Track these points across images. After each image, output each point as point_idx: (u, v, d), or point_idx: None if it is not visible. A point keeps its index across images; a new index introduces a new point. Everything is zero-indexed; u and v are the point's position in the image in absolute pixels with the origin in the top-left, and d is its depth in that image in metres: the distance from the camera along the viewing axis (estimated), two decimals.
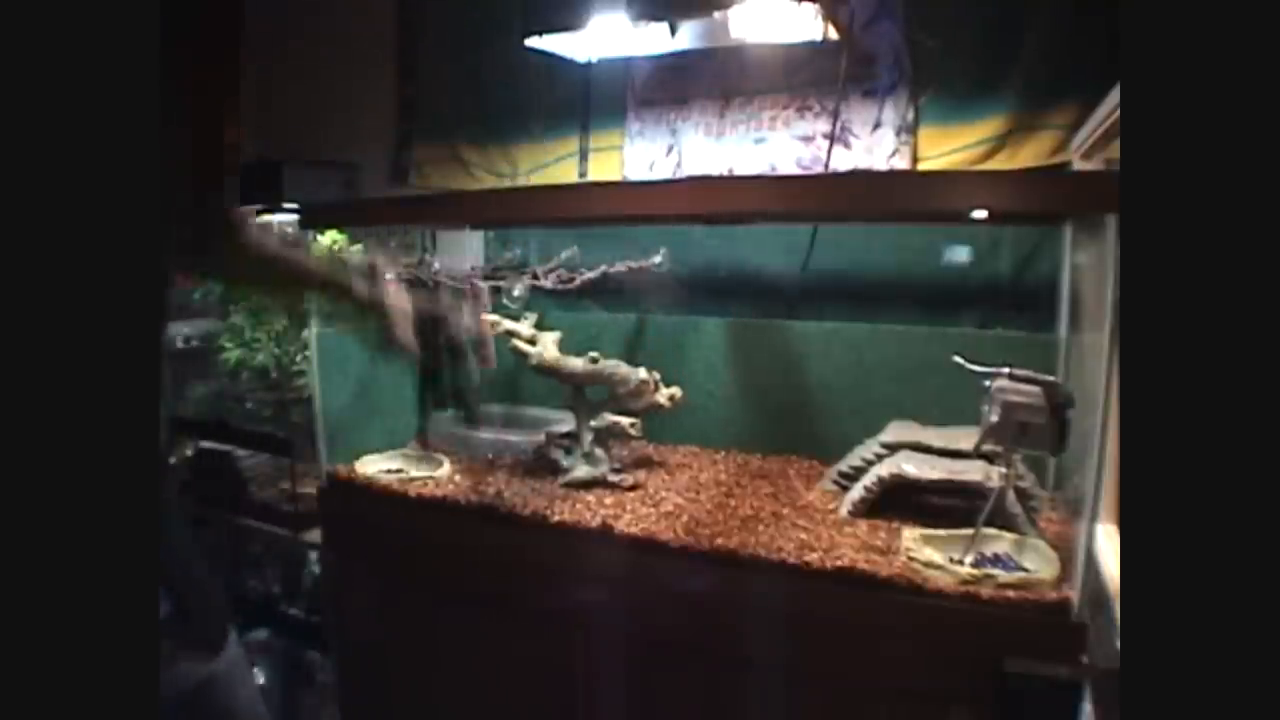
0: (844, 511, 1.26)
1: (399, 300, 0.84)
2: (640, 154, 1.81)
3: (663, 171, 1.78)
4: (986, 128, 1.45)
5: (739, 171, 1.69)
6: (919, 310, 1.53)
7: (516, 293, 1.66)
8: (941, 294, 1.52)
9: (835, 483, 1.38)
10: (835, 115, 1.57)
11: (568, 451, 1.47)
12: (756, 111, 1.68)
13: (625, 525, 1.23)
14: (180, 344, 2.21)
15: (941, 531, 1.11)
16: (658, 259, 1.64)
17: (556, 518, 1.27)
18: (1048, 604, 0.97)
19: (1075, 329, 1.28)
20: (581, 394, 1.48)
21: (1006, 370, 1.03)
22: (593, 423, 1.46)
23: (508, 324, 1.55)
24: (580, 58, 1.68)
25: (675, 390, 1.45)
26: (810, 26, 1.40)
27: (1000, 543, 1.09)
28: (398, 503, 1.42)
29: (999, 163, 1.44)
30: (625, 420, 1.45)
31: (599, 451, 1.45)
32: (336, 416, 1.54)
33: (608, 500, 1.34)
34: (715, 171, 1.71)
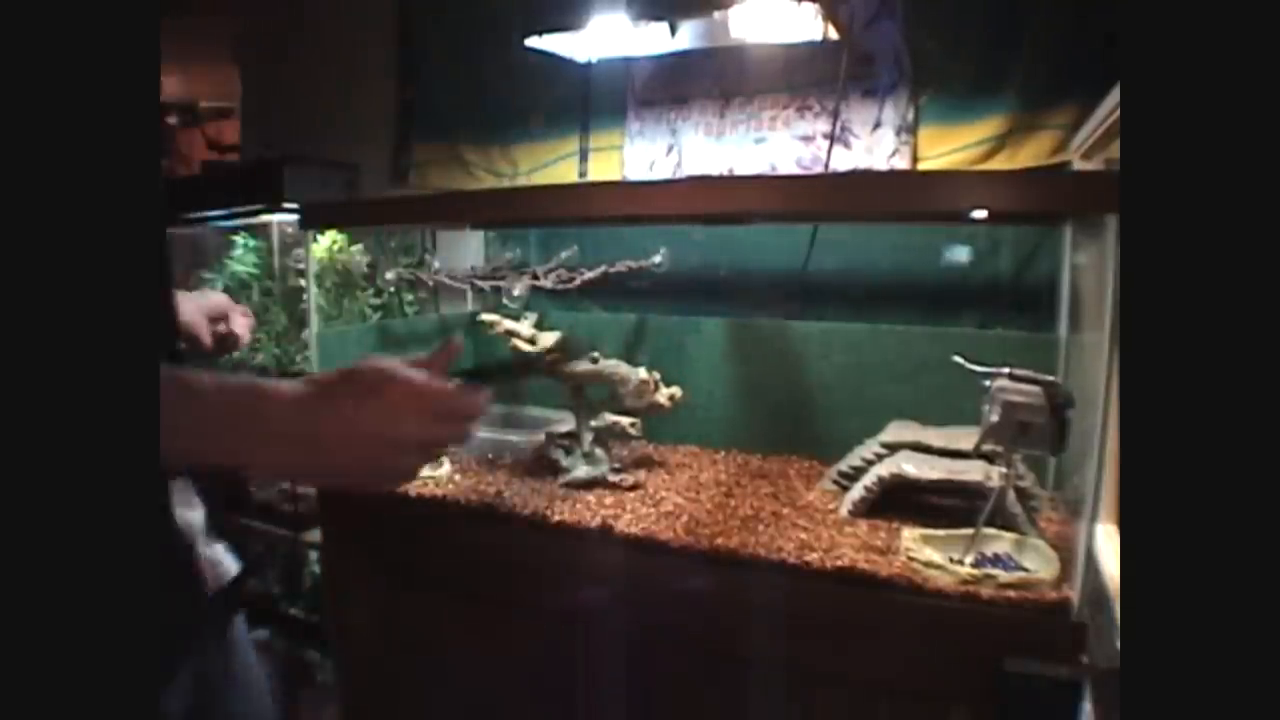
0: (844, 511, 1.26)
1: None
2: (640, 154, 1.82)
3: (663, 171, 1.78)
4: (986, 128, 1.45)
5: (739, 171, 1.69)
6: (919, 310, 1.53)
7: (516, 293, 1.66)
8: (941, 294, 1.52)
9: (835, 483, 1.38)
10: (835, 115, 1.57)
11: (568, 451, 1.47)
12: (756, 111, 1.68)
13: (625, 525, 1.23)
14: (180, 344, 2.21)
15: (941, 531, 1.11)
16: (658, 259, 1.64)
17: (556, 518, 1.27)
18: (1048, 604, 0.97)
19: (1075, 329, 1.28)
20: (581, 394, 1.48)
21: (1006, 370, 1.03)
22: (593, 423, 1.46)
23: (508, 324, 1.55)
24: (580, 58, 1.68)
25: (675, 390, 1.45)
26: (810, 26, 1.40)
27: (1000, 543, 1.09)
28: (398, 502, 1.42)
29: (999, 163, 1.44)
30: (625, 420, 1.45)
31: (599, 451, 1.45)
32: None
33: (608, 500, 1.34)
34: (715, 171, 1.71)
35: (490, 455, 1.60)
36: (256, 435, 0.55)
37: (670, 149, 1.78)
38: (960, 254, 1.50)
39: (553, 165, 1.91)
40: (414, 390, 0.61)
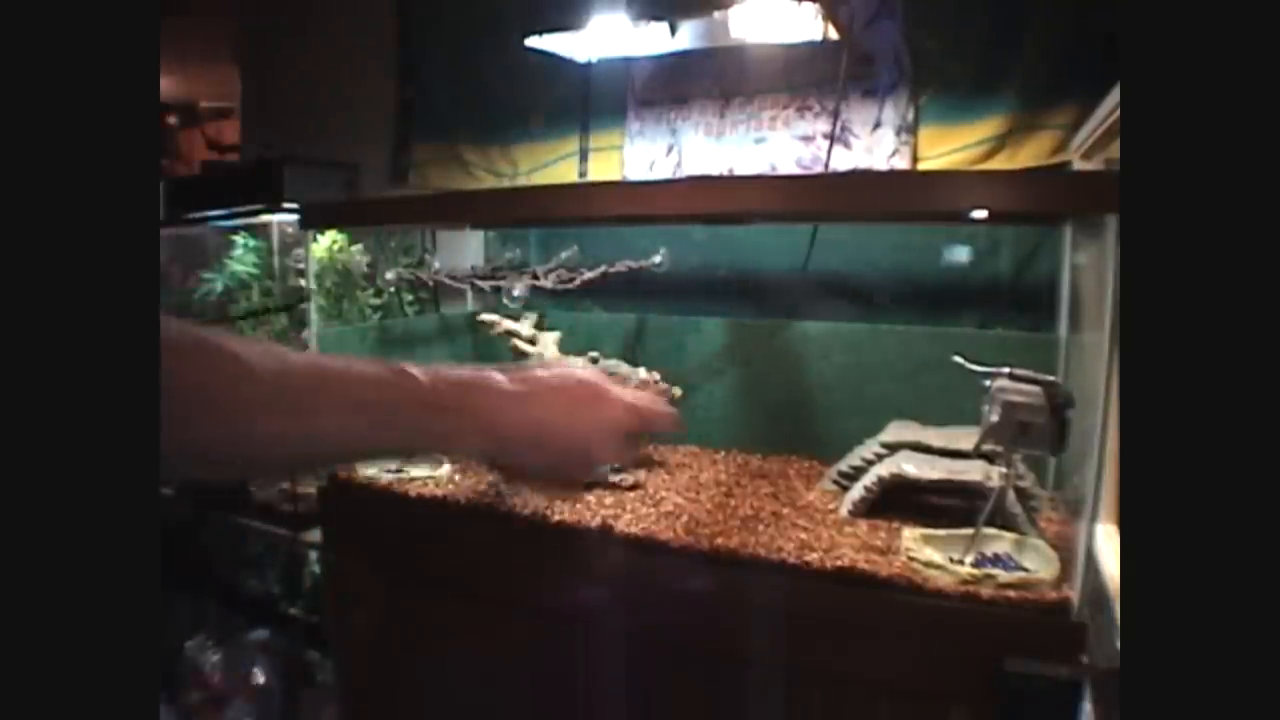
0: (844, 511, 1.26)
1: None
2: (640, 154, 1.81)
3: (663, 171, 1.78)
4: (986, 128, 1.45)
5: (739, 171, 1.68)
6: (919, 310, 1.52)
7: (516, 293, 1.66)
8: (941, 294, 1.52)
9: (835, 483, 1.38)
10: (835, 115, 1.57)
11: None
12: (756, 111, 1.68)
13: (625, 525, 1.23)
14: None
15: (941, 531, 1.11)
16: (658, 259, 1.64)
17: (556, 518, 1.27)
18: (1048, 604, 0.97)
19: (1075, 329, 1.28)
20: None
21: (1006, 370, 1.03)
22: None
23: (508, 324, 1.55)
24: (580, 58, 1.68)
25: (675, 390, 1.45)
26: (810, 26, 1.40)
27: (1000, 543, 1.09)
28: (398, 503, 1.42)
29: (999, 163, 1.44)
30: None
31: None
32: None
33: (608, 500, 1.34)
34: (715, 171, 1.70)
35: None
36: (484, 429, 0.60)
37: (670, 149, 1.78)
38: (960, 254, 1.50)
39: (553, 165, 1.91)
40: (625, 405, 0.68)
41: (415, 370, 0.58)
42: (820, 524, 1.22)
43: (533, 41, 1.58)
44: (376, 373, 0.56)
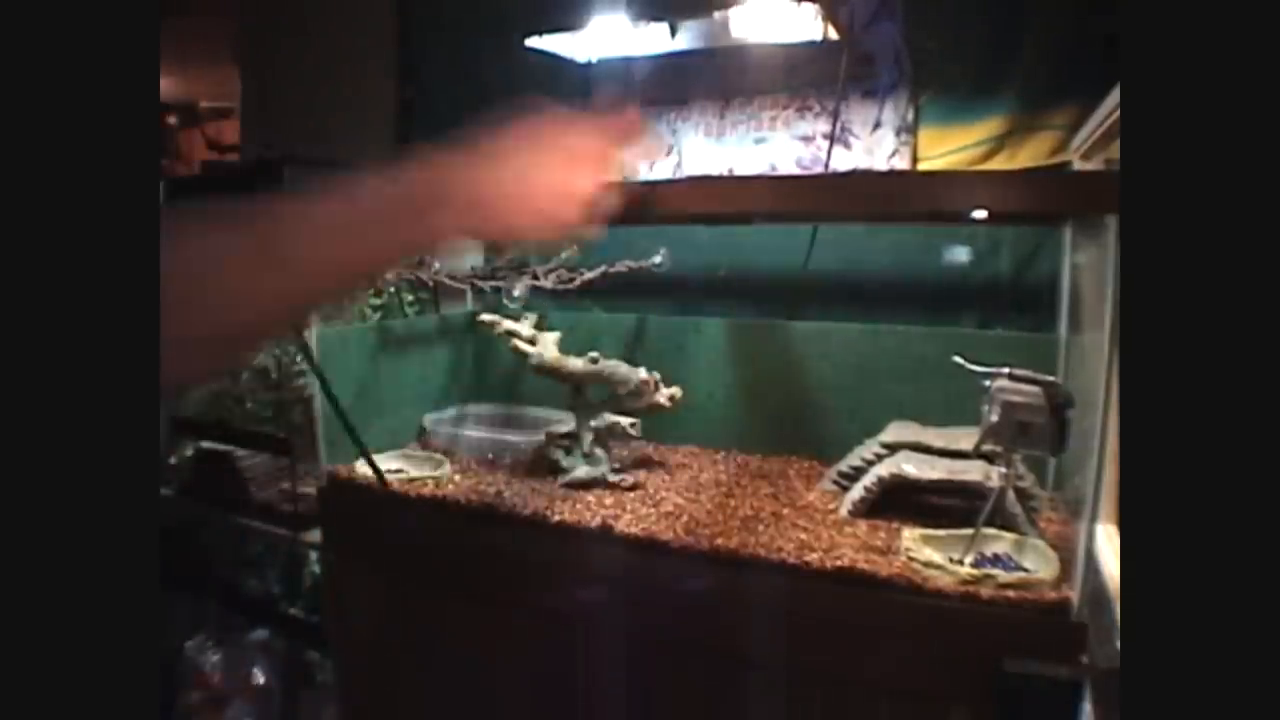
0: (844, 511, 1.26)
1: None
2: None
3: (663, 171, 1.78)
4: (986, 128, 1.45)
5: (739, 171, 1.68)
6: (919, 310, 1.52)
7: (516, 293, 1.66)
8: (941, 294, 1.52)
9: (835, 483, 1.38)
10: (835, 115, 1.57)
11: (568, 451, 1.47)
12: (756, 111, 1.68)
13: (625, 525, 1.23)
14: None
15: (941, 531, 1.11)
16: (658, 259, 1.64)
17: (556, 518, 1.27)
18: (1048, 604, 0.97)
19: (1075, 329, 1.28)
20: (581, 394, 1.48)
21: (1006, 370, 1.03)
22: (593, 423, 1.46)
23: (508, 324, 1.55)
24: (580, 58, 1.68)
25: (675, 390, 1.45)
26: (810, 26, 1.40)
27: (1000, 543, 1.09)
28: (398, 503, 1.42)
29: (999, 163, 1.43)
30: (625, 420, 1.45)
31: (599, 451, 1.45)
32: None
33: (608, 500, 1.34)
34: (715, 171, 1.70)
35: (490, 455, 1.60)
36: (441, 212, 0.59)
37: (670, 149, 1.78)
38: (960, 254, 1.50)
39: None
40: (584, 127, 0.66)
41: (382, 183, 0.60)
42: (820, 524, 1.22)
43: (533, 41, 1.58)
44: (349, 206, 0.58)
